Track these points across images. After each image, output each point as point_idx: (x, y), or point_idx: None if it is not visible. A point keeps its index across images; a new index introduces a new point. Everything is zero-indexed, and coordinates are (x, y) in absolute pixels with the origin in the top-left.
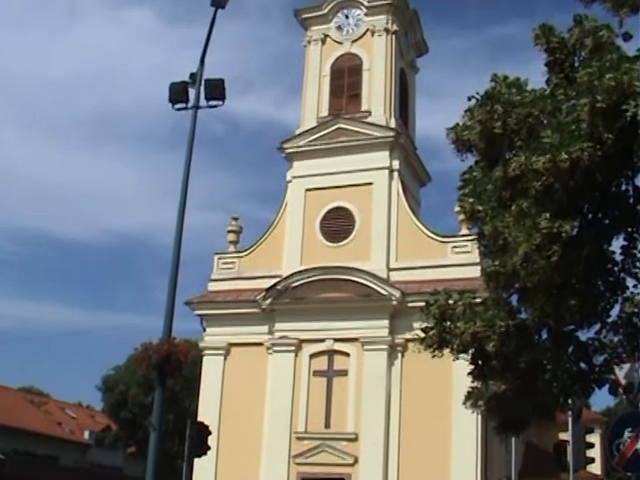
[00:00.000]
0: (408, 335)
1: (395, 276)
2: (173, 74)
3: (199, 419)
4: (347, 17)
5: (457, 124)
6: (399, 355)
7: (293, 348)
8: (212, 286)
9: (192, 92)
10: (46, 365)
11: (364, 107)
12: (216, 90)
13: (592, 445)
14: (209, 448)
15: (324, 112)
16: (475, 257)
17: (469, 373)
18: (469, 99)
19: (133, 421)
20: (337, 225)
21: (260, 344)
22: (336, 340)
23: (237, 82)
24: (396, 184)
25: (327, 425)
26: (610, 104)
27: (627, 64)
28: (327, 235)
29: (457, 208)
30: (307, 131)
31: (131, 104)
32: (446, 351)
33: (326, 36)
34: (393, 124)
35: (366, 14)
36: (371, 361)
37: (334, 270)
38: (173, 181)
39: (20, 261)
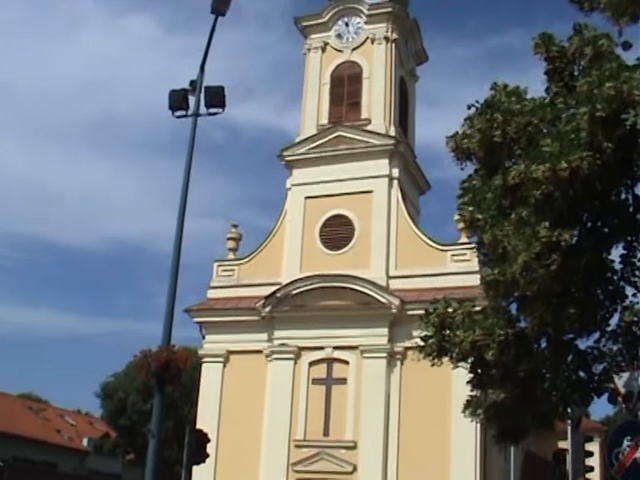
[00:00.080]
0: (407, 343)
1: (394, 284)
2: (173, 81)
3: (198, 426)
4: (347, 25)
5: (457, 132)
6: (398, 363)
7: (292, 356)
8: (211, 293)
9: (192, 99)
10: (45, 372)
11: (364, 115)
12: (216, 97)
13: (591, 454)
14: (208, 455)
15: (324, 120)
16: (474, 265)
17: (468, 382)
18: (469, 107)
19: (132, 428)
20: (337, 233)
21: (259, 352)
22: (335, 348)
23: (237, 89)
24: (396, 192)
25: (326, 433)
26: (610, 113)
27: (627, 73)
28: (326, 243)
29: (456, 216)
30: (307, 139)
31: (131, 111)
32: (445, 359)
33: (326, 44)
34: (393, 132)
35: (366, 22)
36: (370, 369)
37: (333, 278)
38: (173, 188)
39: (18, 267)
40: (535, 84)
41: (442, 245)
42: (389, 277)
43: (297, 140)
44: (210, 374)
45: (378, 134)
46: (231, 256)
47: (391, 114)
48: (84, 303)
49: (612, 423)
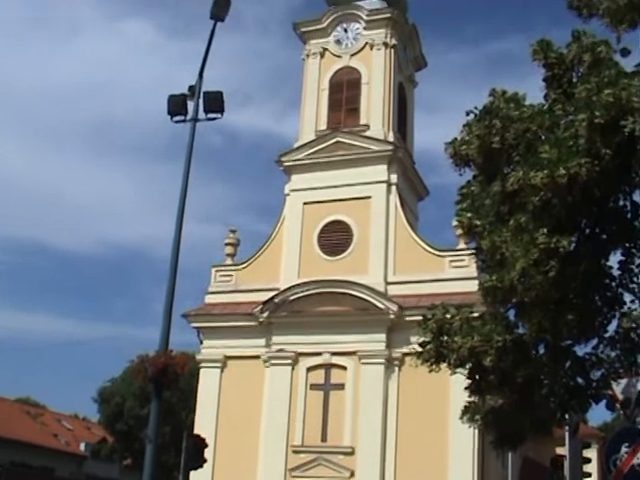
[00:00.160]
0: (405, 349)
1: (393, 290)
2: (172, 87)
3: (195, 432)
4: (346, 31)
5: (455, 139)
6: (396, 369)
7: (290, 361)
8: (209, 299)
9: (191, 105)
10: (42, 376)
11: (362, 121)
12: (215, 103)
13: (589, 460)
14: (205, 461)
15: (322, 125)
16: (472, 271)
17: (466, 387)
18: (467, 114)
19: (129, 433)
20: (335, 238)
21: (257, 357)
22: (333, 354)
23: (236, 95)
24: (394, 198)
25: (324, 439)
26: (608, 120)
27: (625, 80)
28: (325, 248)
29: (455, 222)
30: (305, 144)
31: (129, 116)
32: (443, 365)
33: (325, 50)
34: (391, 138)
35: (365, 28)
36: (368, 375)
37: (332, 284)
38: (171, 193)
39: (14, 270)
40: (534, 90)
41: (440, 251)
42: (387, 283)
43: (295, 146)
44: (208, 379)
45: (377, 140)
46: (229, 261)
47: (390, 120)
48: (81, 308)
49: (610, 429)
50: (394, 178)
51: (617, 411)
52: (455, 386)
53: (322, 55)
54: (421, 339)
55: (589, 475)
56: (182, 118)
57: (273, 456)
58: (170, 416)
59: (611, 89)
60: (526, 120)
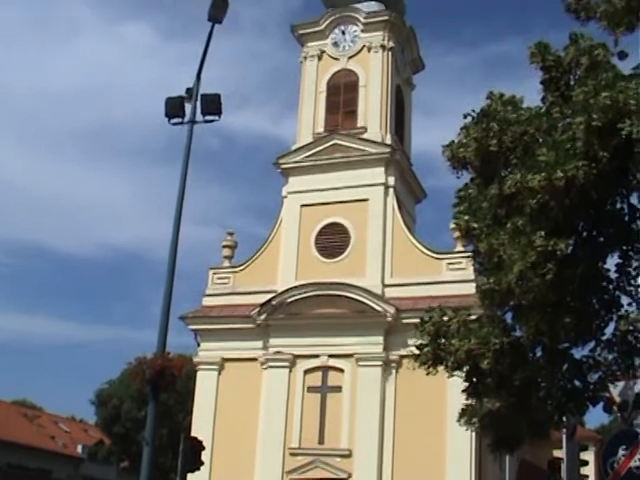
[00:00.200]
0: (403, 351)
1: (390, 292)
2: (170, 89)
3: (193, 434)
4: (344, 33)
5: (453, 141)
6: (393, 371)
7: (287, 364)
8: (207, 301)
9: (188, 107)
10: (40, 378)
11: (360, 123)
12: (212, 105)
13: (586, 463)
14: (202, 463)
15: (320, 128)
16: (470, 274)
17: (463, 390)
18: (465, 117)
19: (126, 435)
20: (332, 241)
21: (254, 359)
22: (330, 356)
23: (233, 97)
24: (391, 200)
25: (321, 441)
26: (605, 123)
27: (622, 83)
28: (322, 251)
29: (452, 225)
30: (303, 147)
31: (128, 118)
32: (440, 368)
33: (322, 52)
34: (389, 140)
35: (363, 30)
36: (365, 377)
37: (329, 286)
38: (169, 195)
39: (14, 273)
40: (531, 93)
41: (438, 253)
42: (384, 285)
43: (293, 148)
44: (205, 382)
45: (374, 142)
46: (226, 264)
47: (387, 122)
48: (80, 310)
49: (607, 432)
50: (392, 181)
51: (614, 414)
52: (452, 389)
53: (320, 57)
54: (418, 342)
55: (586, 477)
56: (180, 120)
57: (270, 458)
58: (167, 418)
59: (608, 92)
60: (523, 123)
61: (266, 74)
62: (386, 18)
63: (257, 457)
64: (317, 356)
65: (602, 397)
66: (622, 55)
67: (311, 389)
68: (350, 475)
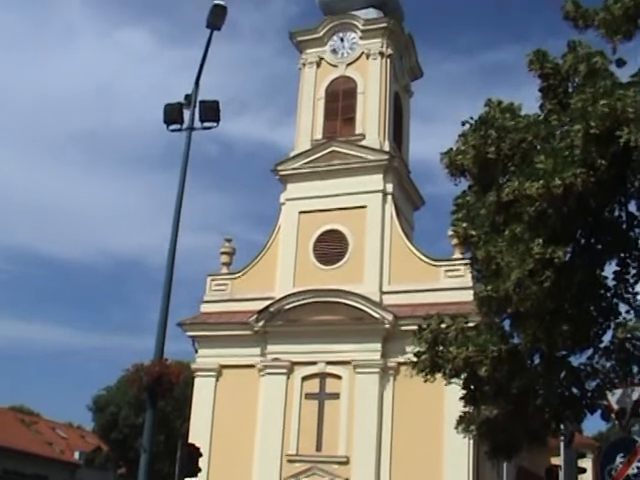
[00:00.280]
0: (400, 359)
1: (388, 299)
2: (169, 95)
3: (190, 440)
4: (342, 40)
5: (451, 149)
6: (391, 378)
7: (285, 370)
8: (204, 307)
9: (187, 113)
10: (37, 385)
11: (358, 130)
12: (211, 112)
13: (584, 470)
14: (200, 470)
15: (318, 135)
16: (468, 281)
17: (461, 398)
18: (463, 124)
19: (124, 442)
20: (330, 248)
21: (252, 366)
22: (328, 363)
23: (232, 103)
24: (390, 207)
25: (318, 448)
26: (603, 130)
27: (621, 90)
28: (320, 258)
29: (450, 232)
30: (301, 153)
31: (126, 124)
32: (438, 375)
33: (321, 59)
34: (387, 147)
35: (361, 37)
36: (363, 384)
37: (327, 293)
38: (167, 202)
39: (12, 279)
40: (529, 100)
41: (436, 261)
42: (382, 292)
43: (291, 155)
44: (202, 388)
45: (372, 149)
46: (224, 270)
47: (385, 129)
48: (78, 317)
49: (605, 439)
50: (390, 188)
51: (612, 421)
52: (450, 396)
53: (318, 64)
54: (416, 349)
55: None
56: (178, 127)
57: (268, 465)
58: (165, 425)
59: (606, 100)
60: (522, 130)
61: (264, 80)
62: (384, 25)
63: (254, 464)
64: (315, 363)
65: (600, 405)
66: (620, 63)
67: (309, 396)
68: None
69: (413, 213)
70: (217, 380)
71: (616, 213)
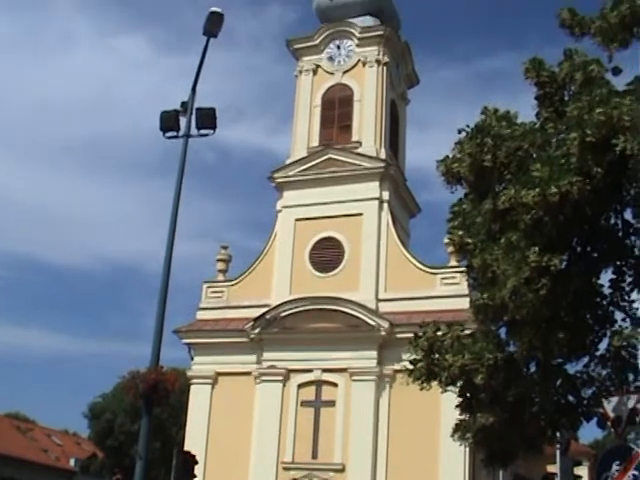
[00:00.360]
0: (396, 366)
1: (384, 307)
2: (166, 102)
3: (186, 448)
4: (339, 48)
5: (447, 156)
6: (387, 386)
7: (281, 378)
8: (201, 315)
9: (183, 120)
10: (33, 391)
11: (354, 138)
12: (207, 119)
13: (580, 477)
14: (195, 477)
15: (315, 142)
16: (464, 289)
17: (457, 405)
18: (459, 132)
19: (119, 449)
20: (326, 255)
21: (248, 373)
22: (324, 370)
23: (228, 111)
24: (386, 215)
25: (314, 456)
26: (600, 138)
27: (617, 99)
28: (316, 265)
29: (446, 240)
30: (297, 161)
31: (123, 131)
32: (434, 383)
33: (317, 66)
34: (383, 155)
35: (358, 45)
36: (359, 392)
37: (323, 300)
38: (164, 208)
39: (8, 286)
40: (525, 108)
41: (432, 268)
42: (378, 300)
43: (288, 162)
44: (198, 395)
45: (369, 157)
46: (221, 277)
47: (382, 137)
48: (74, 323)
49: (601, 447)
50: (386, 195)
51: (608, 429)
52: (446, 404)
53: (315, 72)
54: (412, 357)
55: None
56: (174, 134)
57: (263, 473)
58: (160, 432)
59: (602, 108)
60: (518, 138)
61: (261, 88)
62: (381, 33)
63: (250, 471)
64: (311, 370)
65: (596, 412)
66: (616, 71)
67: (305, 403)
68: None
69: (409, 220)
70: (213, 387)
71: (612, 221)
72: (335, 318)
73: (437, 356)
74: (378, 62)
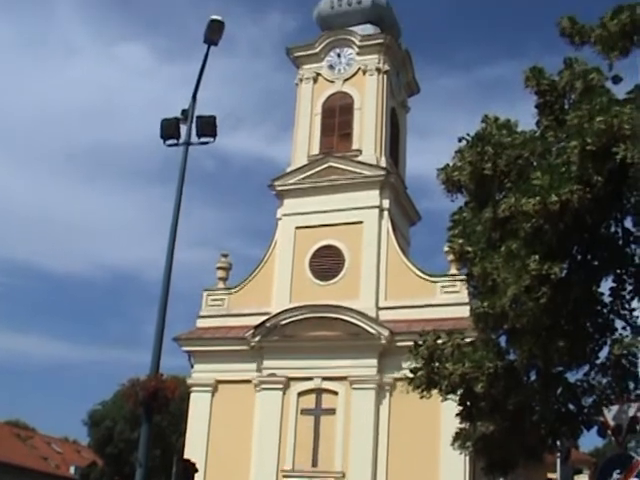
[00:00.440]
0: (397, 374)
1: (384, 315)
2: (167, 109)
3: (185, 456)
4: (339, 56)
5: (447, 165)
6: (387, 394)
7: (281, 386)
8: (201, 322)
9: (184, 128)
10: (33, 399)
11: (355, 146)
12: (207, 127)
13: None
14: None
15: (315, 150)
16: (464, 297)
17: (457, 414)
18: (459, 140)
19: (119, 456)
20: (327, 263)
21: (248, 381)
22: (324, 378)
23: (228, 118)
24: (386, 223)
25: (314, 464)
26: (600, 147)
27: (617, 107)
28: (316, 273)
29: (446, 248)
30: (298, 169)
31: (125, 138)
32: (434, 392)
33: (318, 74)
34: (384, 163)
35: (358, 53)
36: (359, 400)
37: (323, 308)
38: (164, 216)
39: (8, 292)
40: (526, 116)
41: (432, 276)
42: (379, 308)
43: (288, 170)
44: (198, 403)
45: (369, 165)
46: (221, 285)
47: (382, 145)
48: (74, 330)
49: (601, 455)
50: (386, 203)
51: (609, 437)
52: (446, 412)
53: (315, 80)
54: (412, 365)
55: None
56: (175, 142)
57: None
58: (160, 440)
59: (603, 116)
60: (518, 147)
61: (262, 96)
62: (381, 41)
63: (250, 479)
64: (311, 378)
65: (596, 421)
66: (616, 79)
67: (305, 411)
68: None
69: (409, 228)
70: (213, 395)
71: (612, 229)
72: (335, 326)
73: (437, 364)
74: (378, 70)
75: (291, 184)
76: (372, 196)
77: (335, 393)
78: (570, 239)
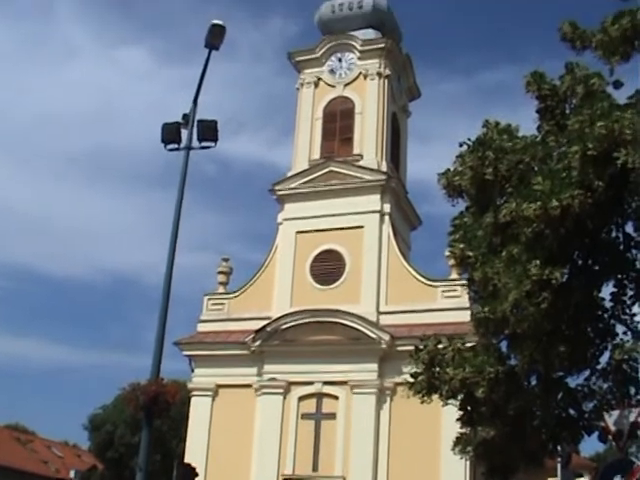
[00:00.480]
0: (397, 379)
1: (385, 319)
2: (167, 113)
3: (186, 460)
4: (340, 61)
5: (448, 169)
6: (388, 399)
7: (282, 390)
8: (201, 327)
9: (185, 132)
10: (33, 402)
11: (356, 150)
12: (209, 131)
13: None
14: None
15: (316, 155)
16: (465, 301)
17: (458, 419)
18: (460, 145)
19: (119, 461)
20: (327, 268)
21: (248, 386)
22: (325, 383)
23: (229, 123)
24: (387, 227)
25: (315, 468)
26: (601, 152)
27: (618, 112)
28: (317, 278)
29: (447, 253)
30: (299, 173)
31: (125, 142)
32: (435, 397)
33: (319, 79)
34: (384, 168)
35: (359, 58)
36: (360, 405)
37: (324, 313)
38: (164, 220)
39: (8, 296)
40: (527, 121)
41: (433, 281)
42: (379, 312)
43: (289, 175)
44: (199, 408)
45: (370, 169)
46: (221, 290)
47: (383, 150)
48: (74, 334)
49: (602, 460)
50: (387, 208)
51: (609, 442)
52: (447, 417)
53: (316, 84)
54: (413, 370)
55: None
56: (176, 146)
57: None
58: (161, 444)
59: (604, 121)
60: (519, 152)
61: (263, 100)
62: (382, 46)
63: None
64: (311, 383)
65: (597, 426)
66: (617, 84)
67: (305, 416)
68: None
69: (410, 233)
70: (213, 400)
71: (613, 234)
72: (336, 331)
73: (438, 369)
74: (379, 75)
75: (292, 189)
76: (373, 201)
77: (336, 398)
78: (571, 244)
